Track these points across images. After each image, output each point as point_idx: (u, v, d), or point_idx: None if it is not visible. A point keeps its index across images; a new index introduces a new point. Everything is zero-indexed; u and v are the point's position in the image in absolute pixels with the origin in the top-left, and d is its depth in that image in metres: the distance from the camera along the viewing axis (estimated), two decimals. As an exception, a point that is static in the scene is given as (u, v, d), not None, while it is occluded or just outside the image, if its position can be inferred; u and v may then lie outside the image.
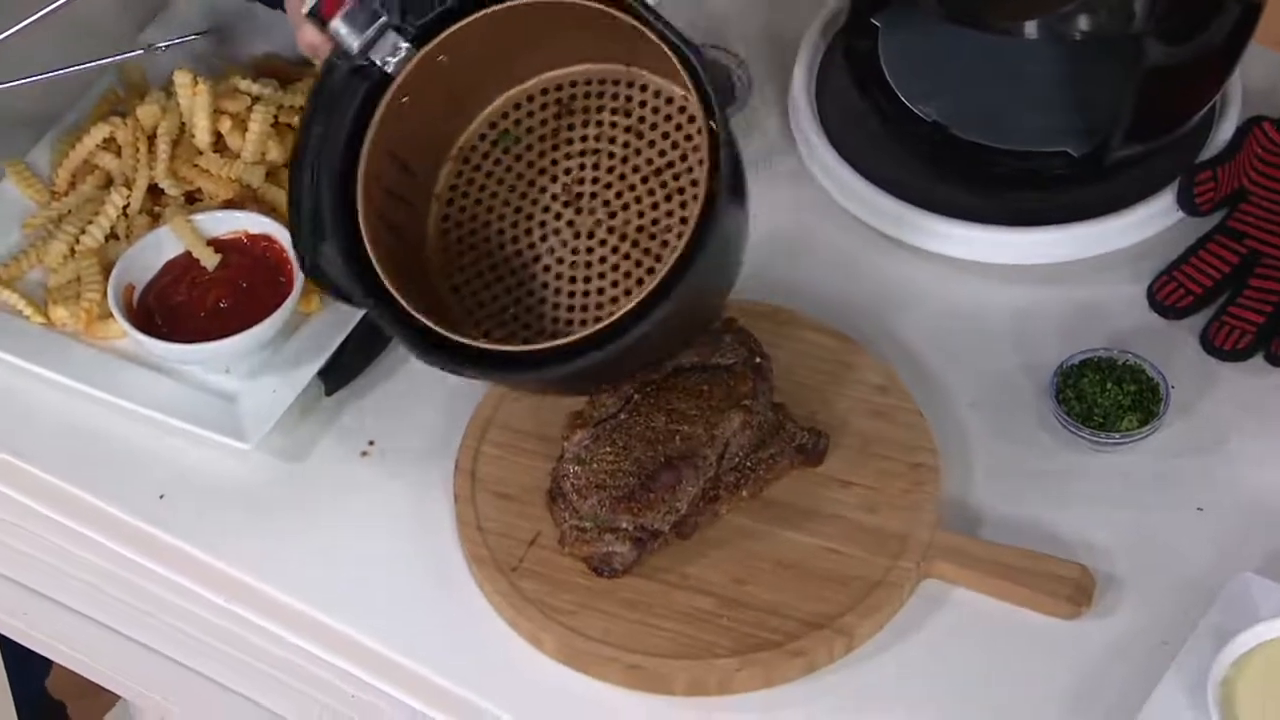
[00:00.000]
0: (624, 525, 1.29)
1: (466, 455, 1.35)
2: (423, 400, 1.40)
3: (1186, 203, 1.48)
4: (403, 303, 1.26)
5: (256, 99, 1.48)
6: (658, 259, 1.29)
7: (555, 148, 1.33)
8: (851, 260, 1.47)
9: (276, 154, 1.47)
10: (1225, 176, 1.48)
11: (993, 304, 1.44)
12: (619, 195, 1.31)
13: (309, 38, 1.30)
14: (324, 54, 1.30)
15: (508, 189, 1.33)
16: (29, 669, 1.87)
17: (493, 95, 1.33)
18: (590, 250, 1.31)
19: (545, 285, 1.32)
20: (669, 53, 1.23)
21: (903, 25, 1.52)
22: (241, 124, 1.47)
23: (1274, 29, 1.49)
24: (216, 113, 1.47)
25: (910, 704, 1.26)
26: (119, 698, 1.86)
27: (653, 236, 1.30)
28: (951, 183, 1.48)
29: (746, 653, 1.26)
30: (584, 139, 1.32)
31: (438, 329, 1.25)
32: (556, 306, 1.31)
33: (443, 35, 1.28)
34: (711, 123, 1.22)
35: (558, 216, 1.32)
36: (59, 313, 1.42)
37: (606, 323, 1.23)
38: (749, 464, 1.32)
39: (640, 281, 1.29)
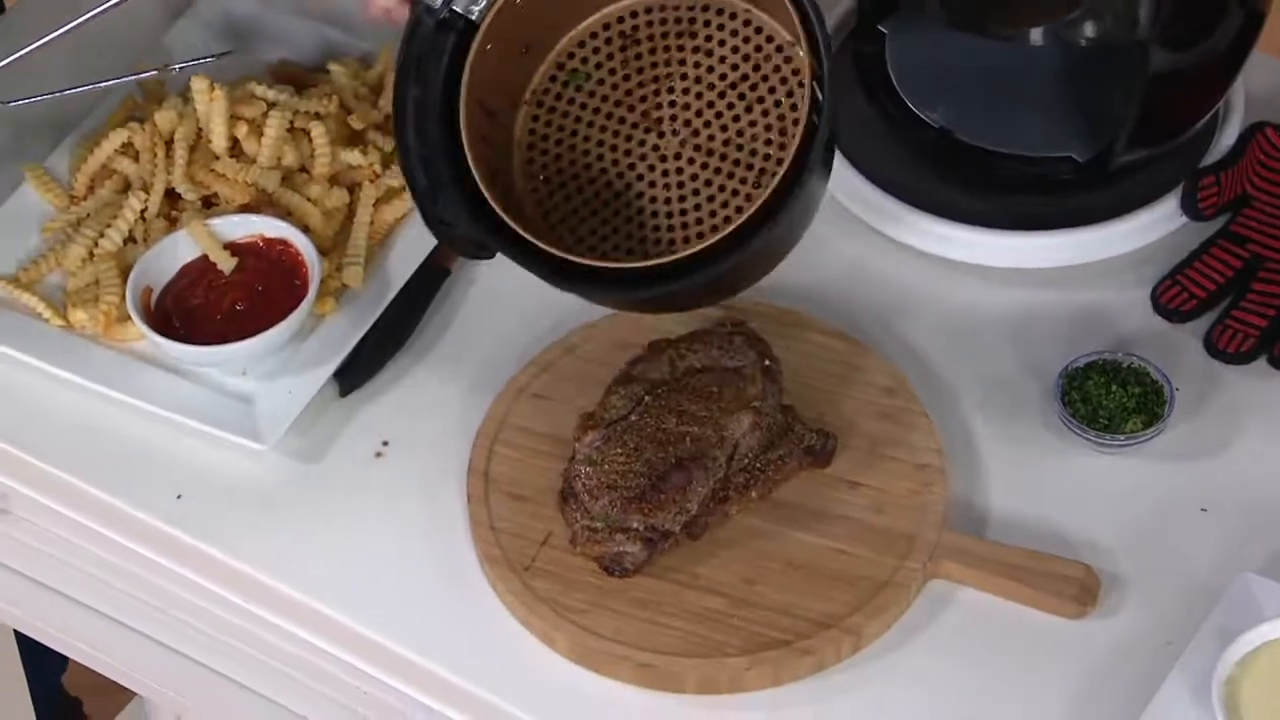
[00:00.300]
0: (635, 525, 1.29)
1: (479, 456, 1.35)
2: (436, 401, 1.40)
3: (1190, 208, 1.47)
4: (529, 237, 1.26)
5: (272, 105, 1.48)
6: (749, 168, 1.29)
7: (627, 78, 1.33)
8: (859, 264, 1.47)
9: (292, 159, 1.47)
10: (1228, 182, 1.48)
11: (998, 307, 1.44)
12: (699, 114, 1.31)
13: (381, 1, 1.31)
14: (396, 18, 1.30)
15: (586, 125, 1.33)
16: (46, 666, 1.88)
17: (557, 36, 1.34)
18: (680, 171, 1.31)
19: (642, 211, 1.31)
20: None
21: (909, 32, 1.53)
22: (257, 129, 1.47)
23: (1277, 37, 1.49)
24: (233, 118, 1.47)
25: (917, 702, 1.26)
26: (134, 694, 1.86)
27: (739, 148, 1.29)
28: (958, 187, 1.48)
29: (756, 652, 1.26)
30: (654, 65, 1.32)
31: (571, 257, 1.26)
32: (656, 229, 1.30)
33: None
34: (810, 33, 1.23)
35: (641, 143, 1.32)
36: (78, 315, 1.42)
37: (735, 225, 1.23)
38: (758, 465, 1.33)
39: (735, 193, 1.29)
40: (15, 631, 1.67)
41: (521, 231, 1.27)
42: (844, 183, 1.50)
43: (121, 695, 1.87)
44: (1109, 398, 1.36)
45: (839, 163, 1.50)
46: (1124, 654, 1.27)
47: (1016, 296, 1.45)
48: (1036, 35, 1.40)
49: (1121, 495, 1.34)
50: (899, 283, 1.46)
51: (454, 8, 1.28)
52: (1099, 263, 1.46)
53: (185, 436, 1.38)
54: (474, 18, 1.29)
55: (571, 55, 1.33)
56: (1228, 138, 1.50)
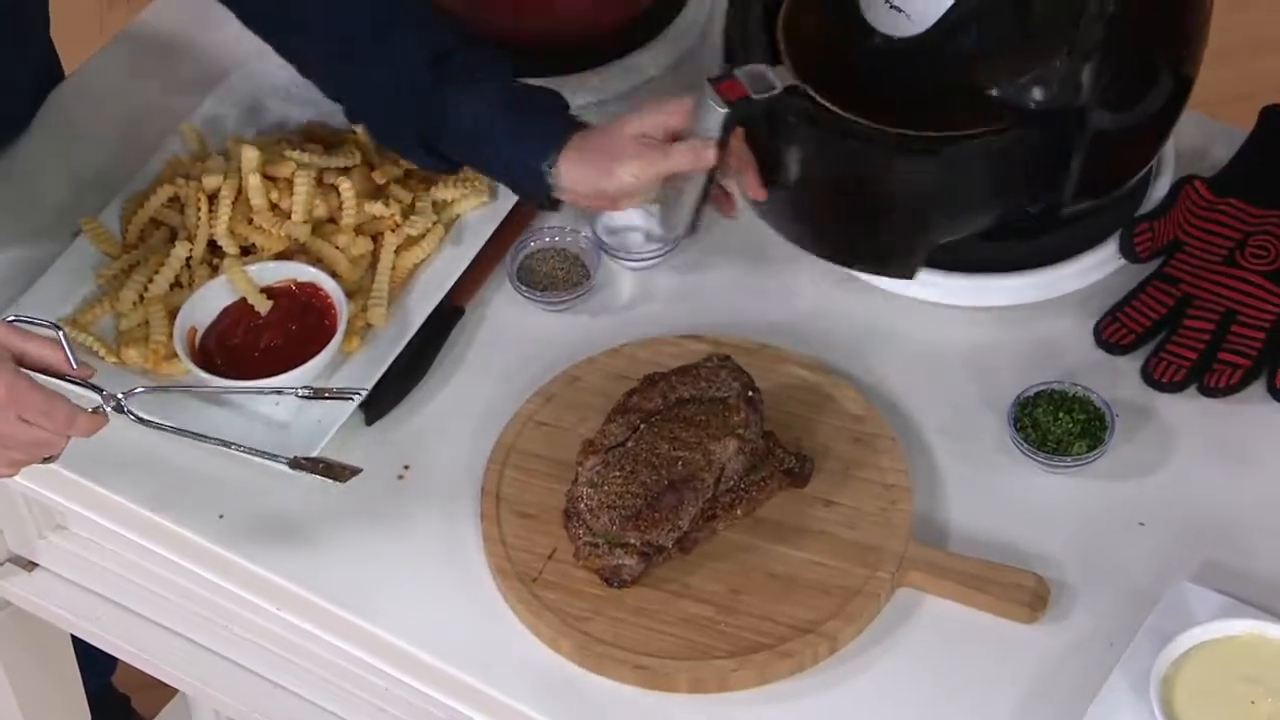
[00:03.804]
0: (632, 541, 1.29)
1: (491, 478, 1.36)
2: (452, 430, 1.40)
3: (1128, 252, 1.48)
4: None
5: (300, 165, 1.47)
6: None
7: None
8: (834, 303, 1.47)
9: (322, 211, 1.47)
10: (1161, 229, 1.48)
11: (959, 342, 1.45)
12: None
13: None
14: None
15: None
16: (98, 666, 1.87)
17: None
18: None
19: None
20: None
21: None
22: (290, 186, 1.47)
23: (1202, 94, 1.50)
24: (267, 178, 1.46)
25: (888, 698, 1.26)
26: (177, 691, 1.86)
27: None
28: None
29: (742, 654, 1.26)
30: None
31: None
32: None
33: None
34: None
35: None
36: (130, 353, 1.42)
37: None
38: (743, 486, 1.33)
39: None
40: (72, 635, 1.66)
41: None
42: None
43: (166, 691, 1.86)
44: (1056, 424, 1.37)
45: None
46: (1072, 655, 1.27)
47: (974, 332, 1.45)
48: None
49: (1068, 511, 1.35)
50: (869, 320, 1.46)
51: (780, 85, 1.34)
52: (1047, 301, 1.47)
53: (226, 462, 1.37)
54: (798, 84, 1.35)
55: None
56: (1161, 190, 1.51)
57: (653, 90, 1.59)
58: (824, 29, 1.41)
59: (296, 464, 1.33)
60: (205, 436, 1.35)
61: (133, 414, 1.30)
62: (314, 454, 1.36)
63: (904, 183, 1.37)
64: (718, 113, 1.33)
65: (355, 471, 1.33)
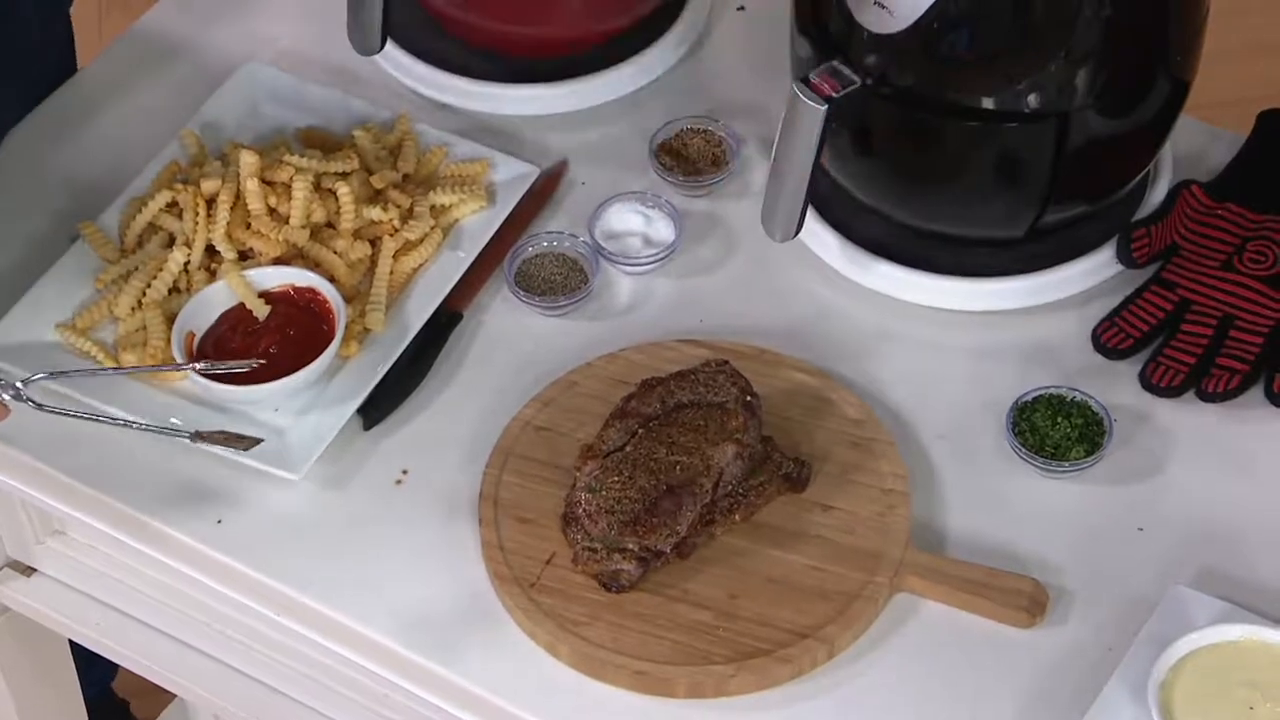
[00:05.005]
0: (630, 546, 1.29)
1: (489, 483, 1.35)
2: (450, 434, 1.40)
3: (1125, 257, 1.48)
4: None
5: (298, 170, 1.47)
6: None
7: None
8: (832, 307, 1.47)
9: (320, 216, 1.47)
10: (1159, 233, 1.48)
11: (956, 346, 1.45)
12: None
13: None
14: None
15: None
16: (97, 672, 1.87)
17: None
18: None
19: None
20: None
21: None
22: (289, 191, 1.47)
23: (1199, 98, 1.49)
24: (265, 183, 1.46)
25: (885, 704, 1.26)
26: (175, 696, 1.86)
27: None
28: (921, 239, 1.48)
29: (740, 660, 1.26)
30: None
31: None
32: None
33: None
34: None
35: None
36: (128, 358, 1.41)
37: None
38: (741, 491, 1.33)
39: None
40: (70, 641, 1.66)
41: None
42: (818, 237, 1.50)
43: (164, 696, 1.86)
44: (1054, 428, 1.36)
45: (814, 218, 1.49)
46: (1070, 660, 1.27)
47: (972, 337, 1.45)
48: (988, 103, 1.40)
49: (1066, 516, 1.34)
50: (867, 325, 1.46)
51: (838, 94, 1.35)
52: (1045, 306, 1.46)
53: (224, 467, 1.38)
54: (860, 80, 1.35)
55: None
56: (1158, 194, 1.50)
57: (656, 90, 1.59)
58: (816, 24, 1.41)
59: (197, 437, 1.34)
60: (106, 418, 1.35)
61: (31, 401, 1.31)
62: (314, 458, 1.36)
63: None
64: (817, 111, 1.33)
65: (256, 441, 1.34)
